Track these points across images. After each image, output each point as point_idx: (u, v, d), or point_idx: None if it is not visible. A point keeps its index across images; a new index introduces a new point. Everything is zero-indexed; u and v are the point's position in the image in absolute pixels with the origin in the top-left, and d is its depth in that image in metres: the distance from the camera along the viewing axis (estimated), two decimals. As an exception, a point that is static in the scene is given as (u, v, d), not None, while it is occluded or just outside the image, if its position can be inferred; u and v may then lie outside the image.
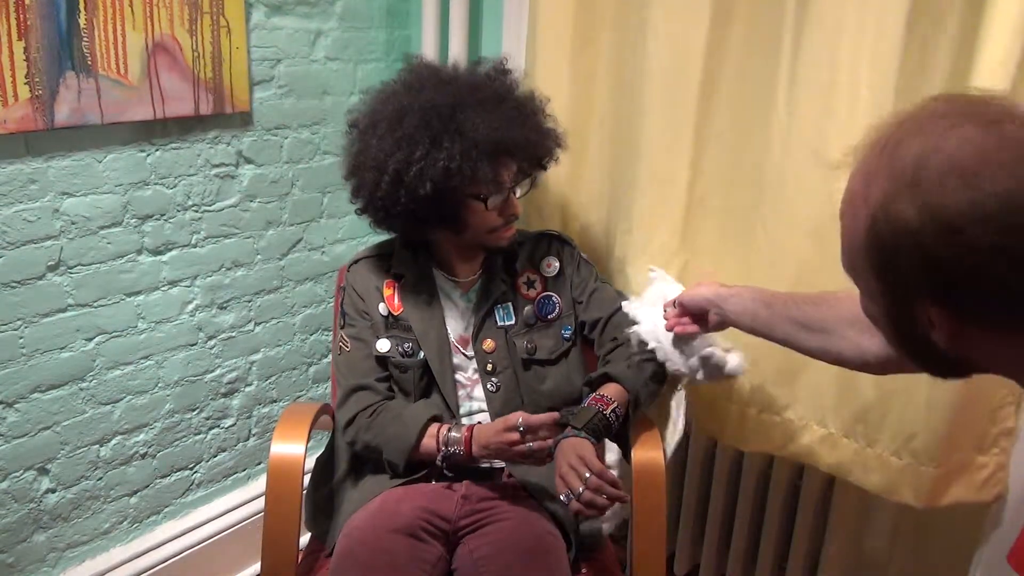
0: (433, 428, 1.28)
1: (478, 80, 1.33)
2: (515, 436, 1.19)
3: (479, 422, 1.35)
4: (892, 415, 1.32)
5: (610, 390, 1.30)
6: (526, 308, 1.40)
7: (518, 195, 1.37)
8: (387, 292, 1.39)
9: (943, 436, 1.27)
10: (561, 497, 1.17)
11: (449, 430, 1.27)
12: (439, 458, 1.26)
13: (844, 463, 1.41)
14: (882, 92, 1.25)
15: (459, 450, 1.24)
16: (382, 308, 1.38)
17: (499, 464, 1.34)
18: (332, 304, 1.92)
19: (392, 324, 1.37)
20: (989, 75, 1.12)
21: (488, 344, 1.37)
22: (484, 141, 1.24)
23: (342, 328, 1.40)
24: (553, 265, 1.43)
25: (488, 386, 1.36)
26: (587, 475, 1.14)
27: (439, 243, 1.41)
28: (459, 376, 1.38)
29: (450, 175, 1.23)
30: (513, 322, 1.39)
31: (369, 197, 1.32)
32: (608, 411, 1.25)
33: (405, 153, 1.24)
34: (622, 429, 1.30)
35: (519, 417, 1.19)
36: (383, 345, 1.36)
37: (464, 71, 1.37)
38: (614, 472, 1.24)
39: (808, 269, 1.37)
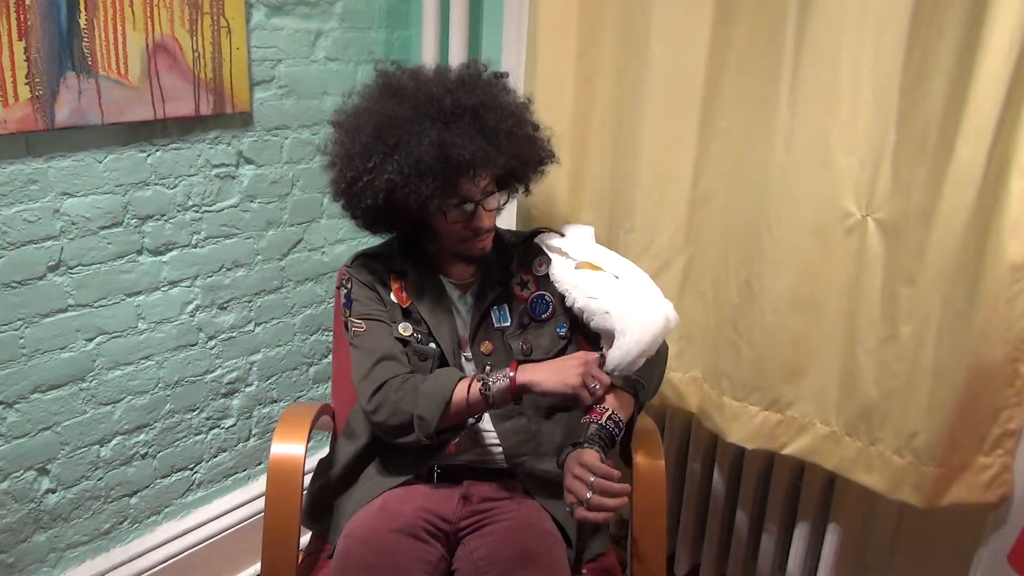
0: (465, 382, 1.24)
1: (442, 90, 1.28)
2: (598, 373, 1.21)
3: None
4: (894, 414, 1.33)
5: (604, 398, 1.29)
6: (520, 309, 1.40)
7: (494, 207, 1.33)
8: (394, 286, 1.38)
9: (944, 435, 1.27)
10: (567, 508, 1.15)
11: (488, 376, 1.24)
12: (480, 386, 1.22)
13: (846, 461, 1.41)
14: (884, 91, 1.26)
15: (505, 380, 1.21)
16: (393, 298, 1.37)
17: (498, 456, 1.34)
18: (332, 305, 1.92)
19: (406, 315, 1.37)
20: (992, 73, 1.12)
21: (486, 346, 1.37)
22: (429, 158, 1.21)
23: (350, 315, 1.37)
24: (544, 264, 1.43)
25: None
26: (591, 479, 1.12)
27: (435, 248, 1.40)
28: None
29: (395, 188, 1.23)
30: (509, 323, 1.39)
31: (334, 195, 1.35)
32: (603, 419, 1.21)
33: (360, 161, 1.26)
34: (627, 433, 1.29)
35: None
36: (405, 328, 1.34)
37: (434, 77, 1.33)
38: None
39: (810, 268, 1.37)
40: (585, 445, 1.17)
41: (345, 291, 1.39)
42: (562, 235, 1.45)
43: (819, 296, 1.38)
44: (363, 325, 1.35)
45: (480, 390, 1.21)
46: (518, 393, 1.21)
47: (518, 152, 1.32)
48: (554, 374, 1.21)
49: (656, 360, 1.34)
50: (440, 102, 1.25)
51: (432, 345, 1.34)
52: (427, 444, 1.23)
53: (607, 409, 1.23)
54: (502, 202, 1.38)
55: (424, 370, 1.33)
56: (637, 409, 1.29)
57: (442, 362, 1.34)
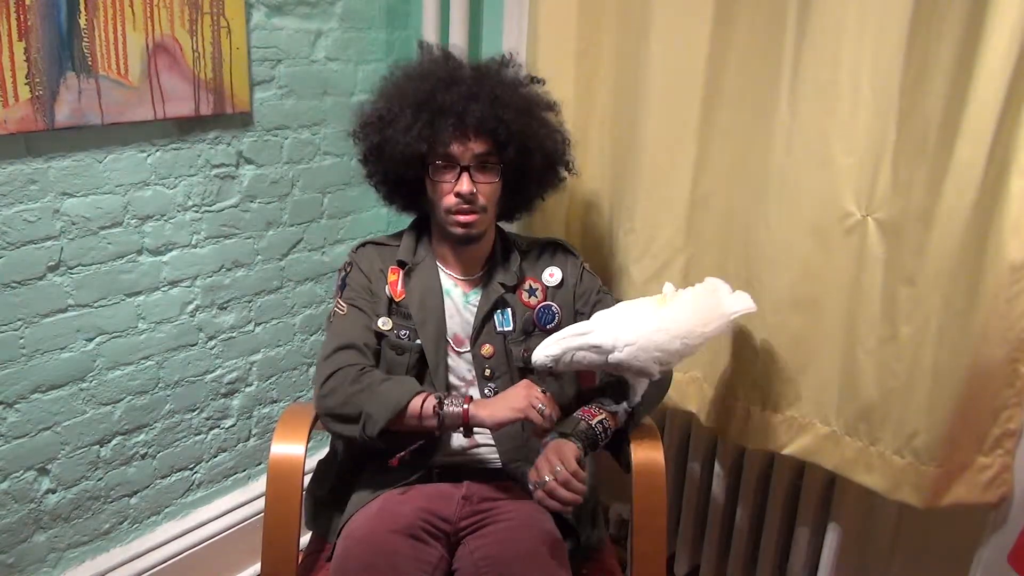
0: (423, 396, 1.25)
1: (464, 63, 1.37)
2: (541, 396, 1.23)
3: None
4: (894, 414, 1.33)
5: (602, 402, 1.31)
6: (525, 316, 1.40)
7: (482, 180, 1.30)
8: (391, 277, 1.39)
9: (944, 435, 1.27)
10: (529, 484, 1.20)
11: (444, 397, 1.26)
12: (436, 404, 1.23)
13: (846, 461, 1.41)
14: (884, 91, 1.26)
15: (459, 406, 1.23)
16: (386, 291, 1.38)
17: (496, 457, 1.34)
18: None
19: (394, 309, 1.37)
20: (992, 73, 1.12)
21: (487, 349, 1.37)
22: (420, 96, 1.29)
23: (339, 297, 1.39)
24: (555, 275, 1.42)
25: (485, 391, 1.36)
26: (558, 468, 1.17)
27: (438, 238, 1.40)
28: (450, 376, 1.37)
29: (383, 123, 1.32)
30: (511, 328, 1.39)
31: (359, 160, 1.44)
32: (594, 422, 1.26)
33: (369, 105, 1.39)
34: (616, 440, 1.30)
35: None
36: (385, 323, 1.35)
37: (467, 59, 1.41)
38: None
39: (810, 268, 1.37)
40: (571, 439, 1.22)
41: (344, 274, 1.41)
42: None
43: (819, 296, 1.39)
44: (344, 308, 1.38)
45: (434, 407, 1.23)
46: (468, 425, 1.24)
47: (519, 135, 1.30)
48: (502, 403, 1.24)
49: (655, 383, 1.36)
50: (457, 70, 1.33)
51: (416, 341, 1.34)
52: (365, 441, 1.24)
53: (602, 413, 1.27)
54: (495, 183, 1.33)
55: (399, 364, 1.35)
56: (628, 425, 1.32)
57: (421, 358, 1.34)
